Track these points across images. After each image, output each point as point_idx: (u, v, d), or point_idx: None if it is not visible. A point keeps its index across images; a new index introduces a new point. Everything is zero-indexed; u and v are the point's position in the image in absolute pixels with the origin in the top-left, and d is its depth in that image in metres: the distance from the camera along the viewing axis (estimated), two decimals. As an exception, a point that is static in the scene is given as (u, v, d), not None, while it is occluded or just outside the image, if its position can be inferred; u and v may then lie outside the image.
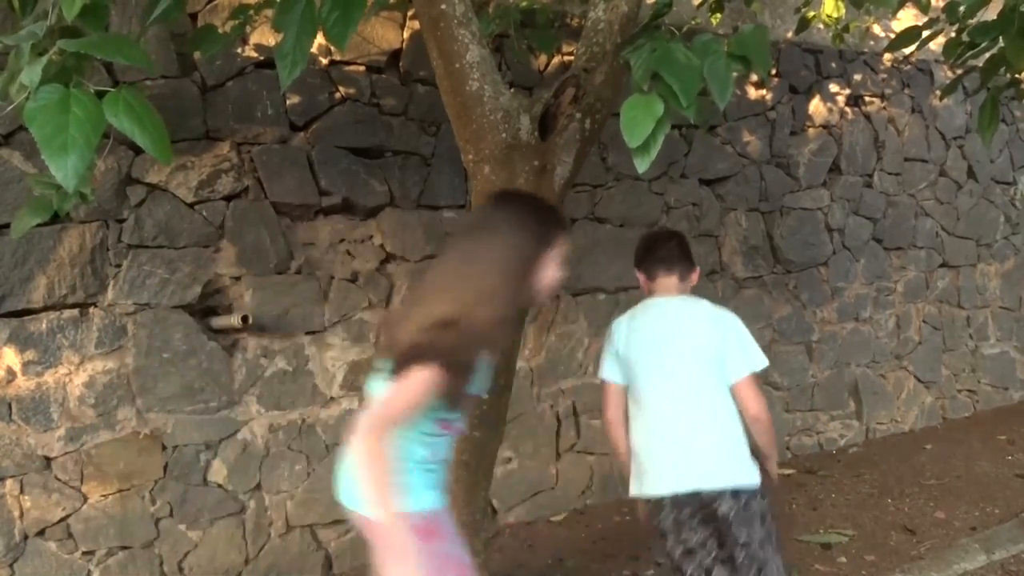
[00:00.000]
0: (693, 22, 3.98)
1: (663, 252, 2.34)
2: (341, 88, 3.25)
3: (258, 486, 3.15)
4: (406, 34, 3.37)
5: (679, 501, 2.14)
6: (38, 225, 2.38)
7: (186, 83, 2.96)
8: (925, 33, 2.88)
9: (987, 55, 2.83)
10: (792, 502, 3.97)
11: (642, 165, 1.84)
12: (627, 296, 3.99)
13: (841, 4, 4.29)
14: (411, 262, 3.40)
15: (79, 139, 1.47)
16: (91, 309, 2.85)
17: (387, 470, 1.49)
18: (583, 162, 2.46)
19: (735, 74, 1.90)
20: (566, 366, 3.86)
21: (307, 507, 3.24)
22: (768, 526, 2.14)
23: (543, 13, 3.40)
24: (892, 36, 4.80)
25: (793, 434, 4.65)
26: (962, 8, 2.72)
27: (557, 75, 3.58)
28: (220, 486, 3.08)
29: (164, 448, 2.97)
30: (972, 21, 2.72)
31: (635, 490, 2.23)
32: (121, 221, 2.88)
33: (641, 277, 2.35)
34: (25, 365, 2.75)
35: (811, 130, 4.61)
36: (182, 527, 3.00)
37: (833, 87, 4.68)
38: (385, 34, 3.33)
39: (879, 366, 5.00)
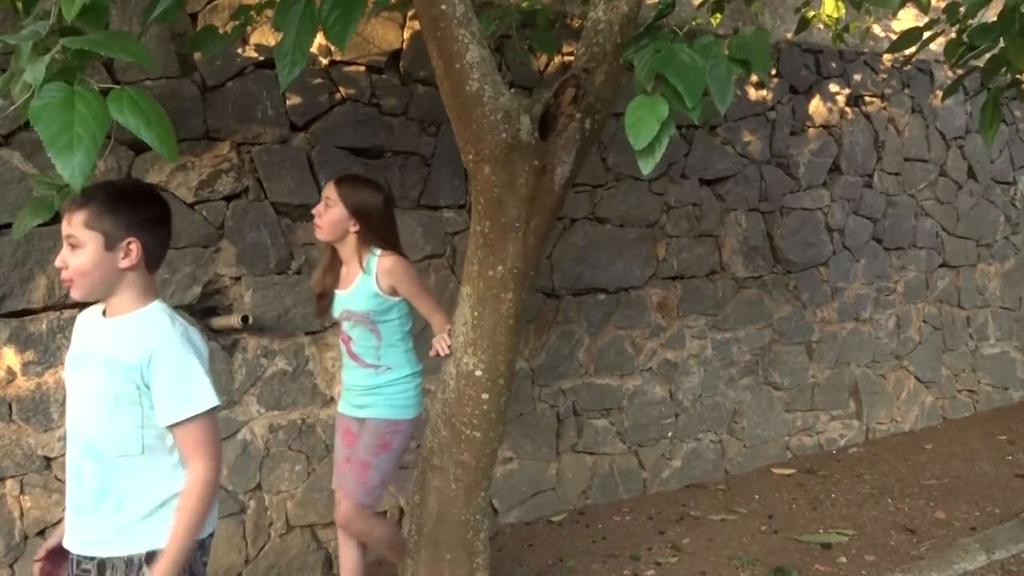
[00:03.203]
0: (694, 22, 3.98)
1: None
2: (341, 88, 3.25)
3: (258, 486, 3.15)
4: (406, 34, 3.37)
5: None
6: (38, 225, 2.38)
7: (186, 83, 2.96)
8: (926, 34, 2.88)
9: (988, 55, 2.83)
10: (792, 502, 3.97)
11: (647, 167, 1.83)
12: (627, 296, 3.99)
13: (841, 4, 4.29)
14: (411, 262, 3.40)
15: (85, 137, 1.47)
16: (91, 309, 2.85)
17: None
18: (583, 162, 2.46)
19: (735, 77, 1.90)
20: (566, 366, 3.86)
21: (307, 507, 3.24)
22: None
23: (543, 14, 3.39)
24: (892, 36, 4.81)
25: (793, 434, 4.65)
26: (962, 9, 2.72)
27: (557, 75, 3.58)
28: (220, 486, 3.07)
29: (164, 448, 2.97)
30: (972, 21, 2.72)
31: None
32: (121, 221, 2.88)
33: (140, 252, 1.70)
34: (25, 365, 2.75)
35: (811, 130, 4.61)
36: (182, 527, 3.00)
37: (833, 87, 4.68)
38: (385, 34, 3.33)
39: (879, 366, 5.00)
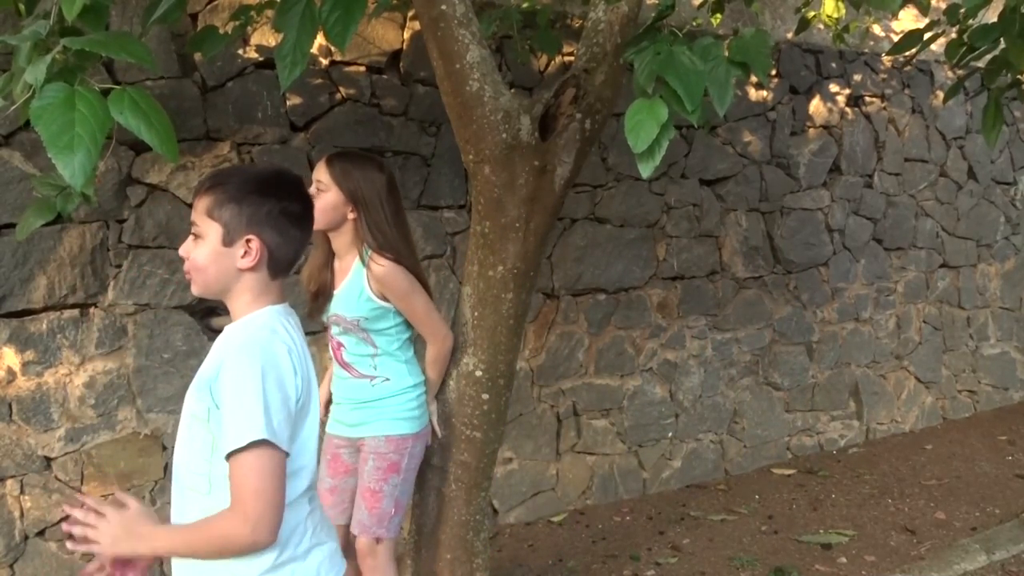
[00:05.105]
0: (694, 23, 3.98)
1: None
2: (341, 88, 3.25)
3: (258, 486, 3.14)
4: (407, 35, 3.37)
5: None
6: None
7: (186, 83, 2.96)
8: (926, 36, 2.88)
9: (989, 56, 2.83)
10: (792, 502, 3.97)
11: (646, 170, 1.83)
12: (627, 296, 4.00)
13: (841, 4, 4.29)
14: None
15: (85, 137, 1.47)
16: (91, 309, 2.85)
17: None
18: (583, 162, 2.46)
19: (734, 79, 1.90)
20: (566, 366, 3.86)
21: (307, 507, 3.24)
22: None
23: (544, 14, 3.39)
24: (892, 36, 4.81)
25: (793, 434, 4.65)
26: (963, 10, 2.72)
27: (557, 76, 3.58)
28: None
29: (164, 448, 2.97)
30: (972, 22, 2.72)
31: None
32: (121, 221, 2.88)
33: (259, 247, 1.44)
34: (25, 365, 2.75)
35: (811, 130, 4.61)
36: (182, 527, 3.00)
37: (833, 87, 4.68)
38: (385, 35, 3.33)
39: (879, 366, 5.00)
